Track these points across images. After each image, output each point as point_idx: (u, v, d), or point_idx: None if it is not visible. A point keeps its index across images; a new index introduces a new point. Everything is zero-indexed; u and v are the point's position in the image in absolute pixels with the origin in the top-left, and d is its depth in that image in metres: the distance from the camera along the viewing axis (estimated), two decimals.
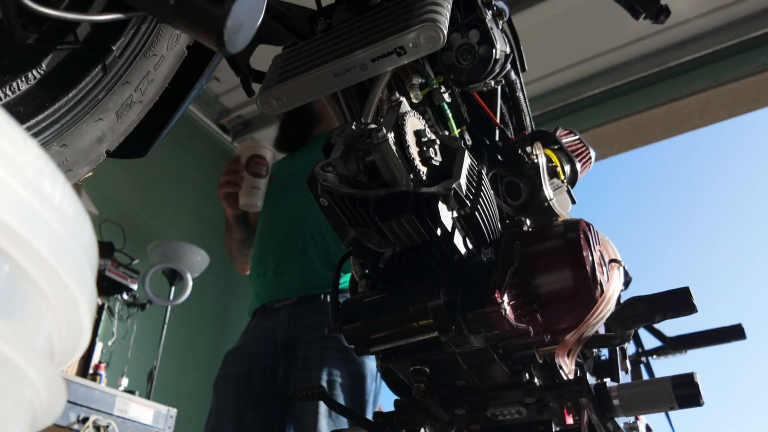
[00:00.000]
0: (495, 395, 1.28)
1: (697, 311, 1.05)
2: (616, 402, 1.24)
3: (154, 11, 0.83)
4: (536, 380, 1.25)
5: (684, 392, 1.18)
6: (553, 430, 1.26)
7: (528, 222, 1.31)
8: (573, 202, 1.65)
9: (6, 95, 0.92)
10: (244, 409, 2.67)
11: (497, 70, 1.46)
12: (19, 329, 0.40)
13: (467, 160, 1.20)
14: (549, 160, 1.60)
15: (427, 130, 1.20)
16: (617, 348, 1.45)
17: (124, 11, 0.90)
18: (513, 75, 1.62)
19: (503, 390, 1.27)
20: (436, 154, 1.18)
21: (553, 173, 1.60)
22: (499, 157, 1.59)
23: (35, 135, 0.93)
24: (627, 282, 1.58)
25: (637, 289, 1.84)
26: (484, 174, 1.25)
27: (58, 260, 0.41)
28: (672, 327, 2.04)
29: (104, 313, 4.57)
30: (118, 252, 4.68)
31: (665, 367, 2.07)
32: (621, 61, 4.90)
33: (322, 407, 2.46)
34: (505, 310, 1.07)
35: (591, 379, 1.31)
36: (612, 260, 1.28)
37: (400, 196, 1.10)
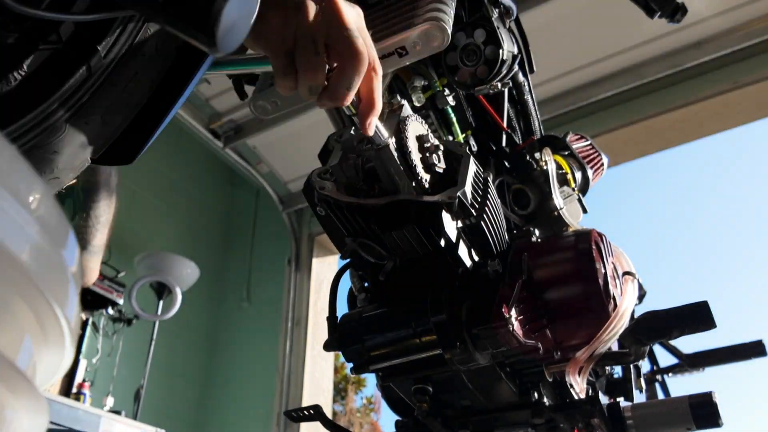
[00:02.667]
0: (502, 415, 1.28)
1: (716, 326, 1.05)
2: (630, 422, 1.24)
3: (141, 10, 0.83)
4: (545, 400, 1.25)
5: (702, 412, 1.18)
6: None
7: (537, 232, 1.31)
8: (584, 211, 1.65)
9: None
10: None
11: (504, 72, 1.46)
12: None
13: (472, 167, 1.20)
14: (559, 166, 1.61)
15: (430, 135, 1.20)
16: (631, 366, 1.45)
17: (110, 10, 0.90)
18: (521, 77, 1.63)
19: (510, 410, 1.27)
20: (439, 161, 1.18)
21: (563, 181, 1.60)
22: (506, 163, 1.59)
23: (16, 140, 0.93)
24: (641, 296, 1.58)
25: (651, 304, 1.84)
26: (490, 182, 1.25)
27: (40, 273, 0.41)
28: (688, 343, 2.04)
29: (88, 329, 4.56)
30: (104, 264, 4.67)
31: (682, 385, 2.07)
32: (635, 62, 4.90)
33: None
34: (513, 325, 1.07)
35: (603, 399, 1.31)
36: (626, 273, 1.28)
37: (401, 205, 1.10)
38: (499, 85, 1.48)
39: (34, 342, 0.44)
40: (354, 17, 0.98)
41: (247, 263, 6.36)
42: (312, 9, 0.95)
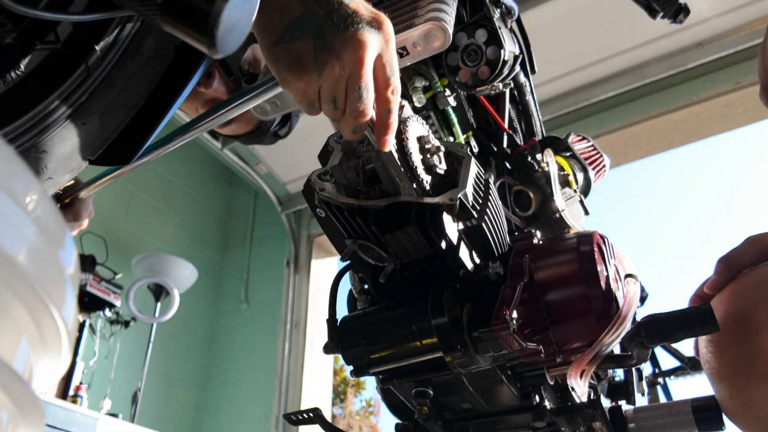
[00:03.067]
0: (503, 419, 1.28)
1: (719, 330, 1.05)
2: (632, 426, 1.24)
3: (140, 10, 0.83)
4: (547, 403, 1.24)
5: (705, 415, 1.18)
6: None
7: (538, 234, 1.31)
8: (586, 212, 1.65)
9: None
10: None
11: (505, 73, 1.46)
12: None
13: (474, 169, 1.20)
14: (560, 168, 1.61)
15: (431, 136, 1.20)
16: (633, 369, 1.45)
17: (108, 10, 0.90)
18: (522, 77, 1.63)
19: (512, 413, 1.27)
20: (440, 162, 1.18)
21: (564, 182, 1.60)
22: (508, 165, 1.59)
23: (13, 140, 0.93)
24: (643, 298, 1.58)
25: (653, 306, 1.83)
26: (491, 183, 1.25)
27: (37, 275, 0.41)
28: (690, 346, 2.04)
29: (85, 331, 4.55)
30: (101, 266, 4.67)
31: (684, 388, 2.07)
32: (637, 62, 4.90)
33: None
34: (515, 328, 1.07)
35: (605, 402, 1.31)
36: (628, 275, 1.28)
37: (402, 206, 1.10)
38: (501, 85, 1.48)
39: (31, 344, 0.44)
40: (369, 67, 1.02)
41: (246, 265, 6.35)
42: (335, 75, 0.99)
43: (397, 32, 1.20)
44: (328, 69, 0.98)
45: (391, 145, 1.06)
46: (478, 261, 1.20)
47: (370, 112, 1.02)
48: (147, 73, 1.05)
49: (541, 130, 1.70)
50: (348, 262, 1.25)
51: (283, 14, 0.98)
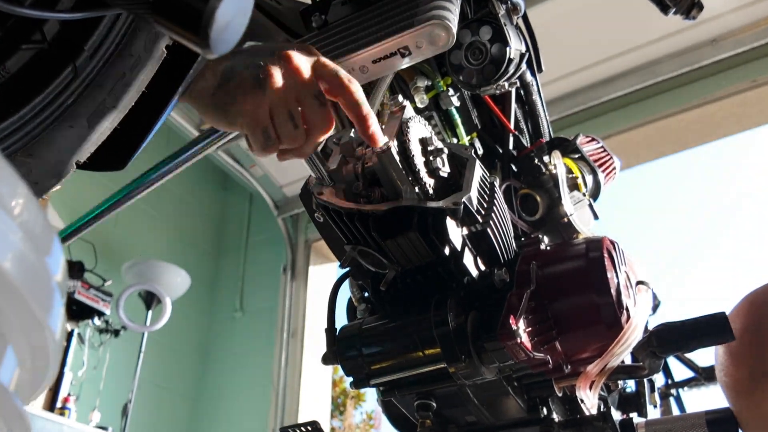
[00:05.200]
0: None
1: (734, 339, 1.05)
2: None
3: (130, 8, 0.83)
4: (555, 416, 1.24)
5: (720, 429, 1.18)
6: None
7: (545, 240, 1.31)
8: (595, 217, 1.65)
9: None
10: None
11: (511, 71, 1.46)
12: None
13: (478, 171, 1.20)
14: (569, 170, 1.61)
15: (434, 137, 1.21)
16: (645, 380, 1.45)
17: (97, 8, 0.90)
18: (528, 76, 1.63)
19: (518, 426, 1.27)
20: (443, 165, 1.18)
21: (573, 185, 1.60)
22: (514, 167, 1.59)
23: None
24: (655, 306, 1.58)
25: (666, 314, 1.83)
26: (497, 186, 1.25)
27: (23, 282, 0.41)
28: (704, 356, 2.04)
29: (74, 341, 4.55)
30: (89, 272, 4.67)
31: (699, 400, 2.07)
32: (648, 60, 4.90)
33: None
34: (521, 338, 1.07)
35: (616, 415, 1.31)
36: (639, 282, 1.28)
37: (403, 211, 1.10)
38: (506, 85, 1.48)
39: (17, 354, 0.44)
40: (308, 68, 1.07)
41: (241, 271, 6.35)
42: (278, 83, 1.04)
43: (398, 31, 1.21)
44: (269, 83, 1.03)
45: (381, 139, 1.07)
46: (482, 268, 1.20)
47: (334, 120, 1.07)
48: (137, 74, 1.05)
49: (549, 131, 1.70)
50: (347, 268, 1.25)
51: (213, 73, 1.07)
